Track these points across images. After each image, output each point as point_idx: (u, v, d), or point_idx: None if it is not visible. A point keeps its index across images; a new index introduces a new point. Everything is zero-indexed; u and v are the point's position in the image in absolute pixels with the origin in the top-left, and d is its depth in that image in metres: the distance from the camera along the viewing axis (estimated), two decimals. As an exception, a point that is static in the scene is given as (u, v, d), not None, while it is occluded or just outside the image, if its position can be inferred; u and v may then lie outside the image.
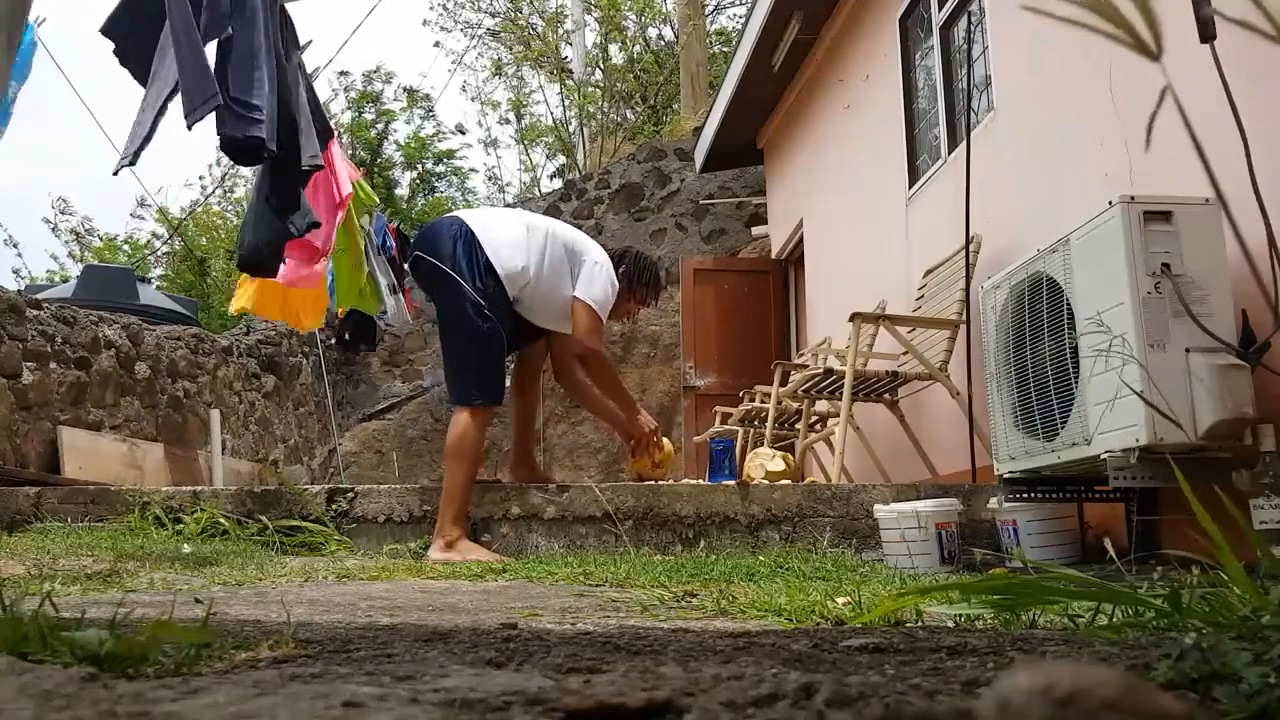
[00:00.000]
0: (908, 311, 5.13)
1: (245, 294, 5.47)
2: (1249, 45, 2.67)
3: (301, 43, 4.16)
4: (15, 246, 18.07)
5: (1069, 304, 2.93)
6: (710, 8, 15.69)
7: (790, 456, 4.49)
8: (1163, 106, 0.81)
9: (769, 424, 5.68)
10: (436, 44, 20.06)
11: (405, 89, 16.15)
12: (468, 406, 3.72)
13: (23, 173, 37.56)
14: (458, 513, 3.63)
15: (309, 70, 4.31)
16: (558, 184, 13.90)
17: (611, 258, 4.06)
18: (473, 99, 27.62)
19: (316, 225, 4.15)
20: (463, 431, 3.69)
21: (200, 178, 23.45)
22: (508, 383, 4.06)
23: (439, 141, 16.23)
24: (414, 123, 16.16)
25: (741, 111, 8.35)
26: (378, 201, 6.46)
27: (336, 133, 4.26)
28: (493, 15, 17.20)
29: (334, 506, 3.92)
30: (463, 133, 17.21)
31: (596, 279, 3.93)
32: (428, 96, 16.31)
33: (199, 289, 14.27)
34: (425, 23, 31.27)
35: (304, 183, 3.94)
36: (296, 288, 5.39)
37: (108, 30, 3.64)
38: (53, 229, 19.38)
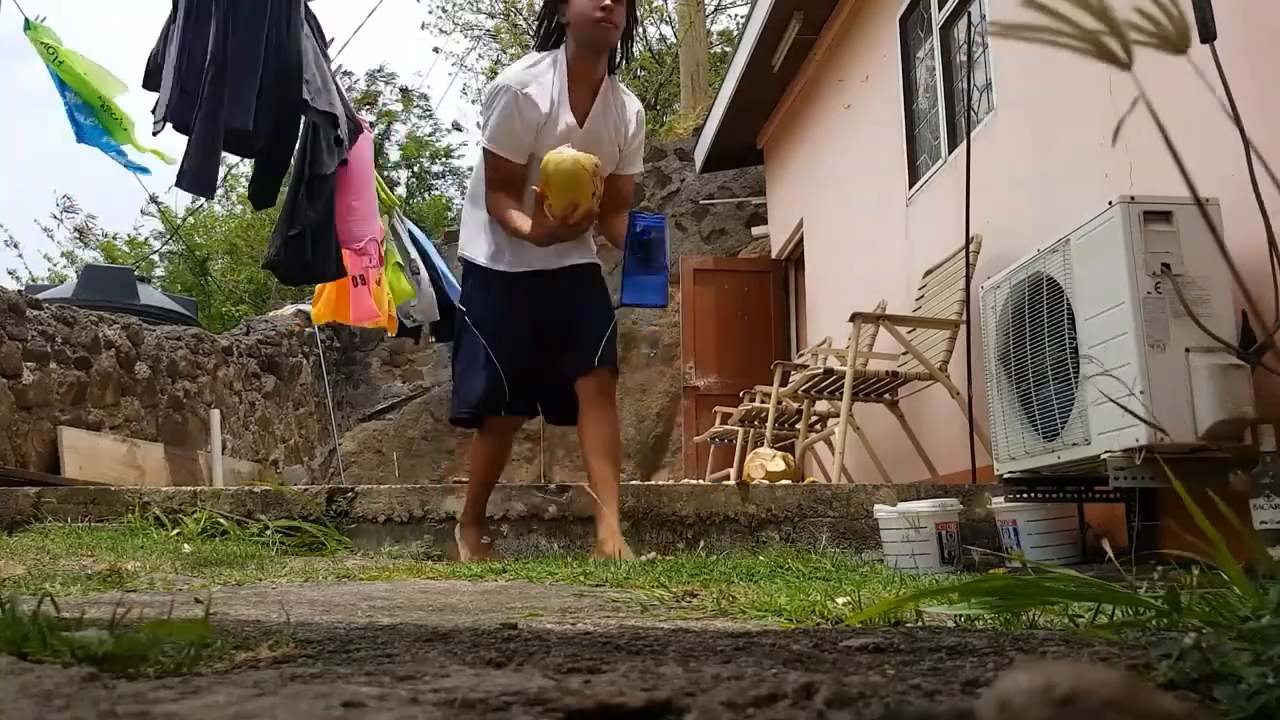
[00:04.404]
0: (908, 311, 5.13)
1: (321, 303, 6.11)
2: (1251, 46, 2.67)
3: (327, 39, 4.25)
4: (15, 246, 18.10)
5: (1069, 304, 2.93)
6: (710, 8, 15.68)
7: (790, 456, 4.49)
8: (1144, 110, 0.81)
9: (769, 424, 5.69)
10: (436, 50, 20.11)
11: (402, 89, 16.16)
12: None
13: (22, 172, 37.55)
14: (467, 513, 3.62)
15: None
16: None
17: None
18: (473, 101, 27.62)
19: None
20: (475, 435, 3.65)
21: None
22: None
23: (437, 139, 16.24)
24: (410, 122, 16.19)
25: (741, 111, 8.35)
26: (395, 202, 6.54)
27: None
28: (490, 16, 17.21)
29: (334, 507, 3.92)
30: (459, 129, 17.26)
31: (487, 118, 3.35)
32: (424, 96, 16.36)
33: (200, 289, 14.28)
34: (424, 26, 31.24)
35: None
36: (363, 322, 6.12)
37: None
38: (51, 230, 19.38)
